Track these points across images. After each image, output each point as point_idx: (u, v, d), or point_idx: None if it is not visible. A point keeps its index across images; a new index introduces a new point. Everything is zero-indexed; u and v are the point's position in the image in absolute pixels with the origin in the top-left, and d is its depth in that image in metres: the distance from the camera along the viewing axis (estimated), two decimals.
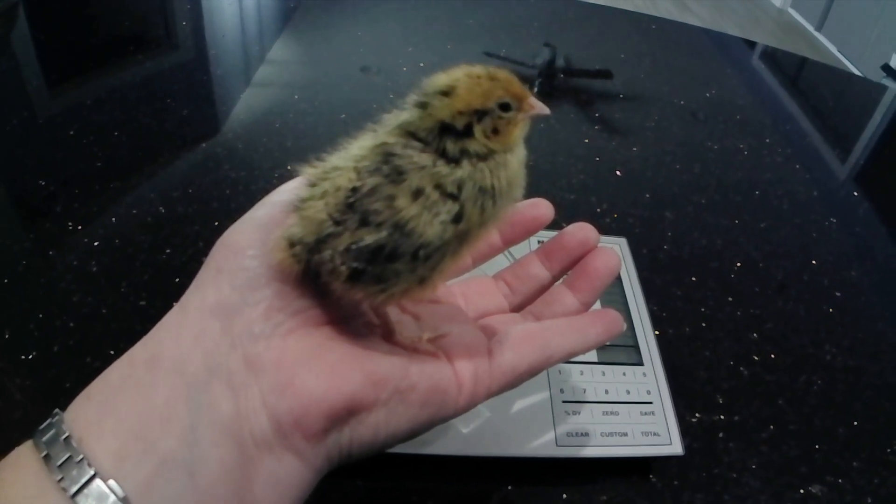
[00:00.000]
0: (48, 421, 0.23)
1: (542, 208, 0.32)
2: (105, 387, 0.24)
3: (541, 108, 0.25)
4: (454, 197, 0.22)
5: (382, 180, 0.22)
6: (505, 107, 0.24)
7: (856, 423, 0.44)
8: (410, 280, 0.23)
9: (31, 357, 0.40)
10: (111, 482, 0.21)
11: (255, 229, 0.25)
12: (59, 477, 0.21)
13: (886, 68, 2.04)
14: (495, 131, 0.24)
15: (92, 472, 0.21)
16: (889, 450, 0.42)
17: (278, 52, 0.80)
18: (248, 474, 0.22)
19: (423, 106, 0.23)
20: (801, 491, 0.39)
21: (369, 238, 0.22)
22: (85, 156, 0.57)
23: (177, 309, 0.25)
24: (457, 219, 0.22)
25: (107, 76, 0.71)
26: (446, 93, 0.23)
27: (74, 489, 0.21)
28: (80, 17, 0.82)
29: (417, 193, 0.22)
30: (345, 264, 0.22)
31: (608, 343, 0.40)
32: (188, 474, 0.22)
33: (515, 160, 0.25)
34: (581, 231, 0.32)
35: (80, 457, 0.21)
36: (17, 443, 0.36)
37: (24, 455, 0.22)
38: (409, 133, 0.23)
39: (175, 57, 0.78)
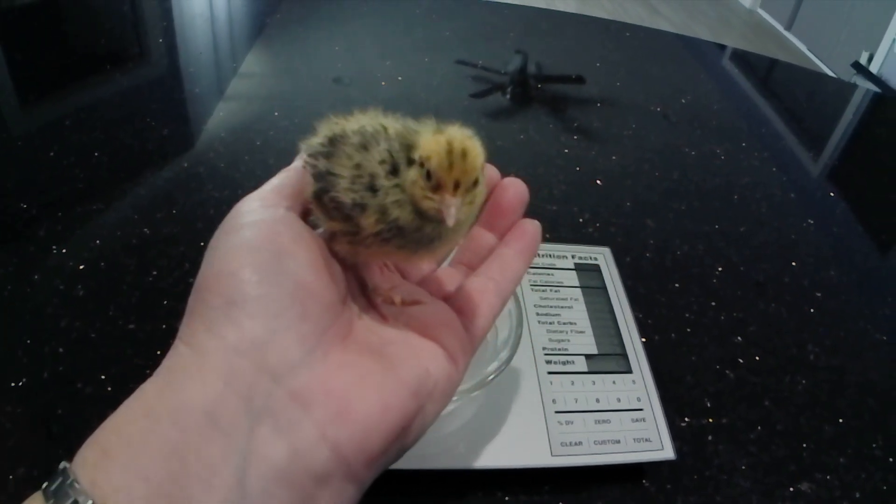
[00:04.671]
0: (58, 480, 0.20)
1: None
2: (125, 443, 0.20)
3: (446, 213, 0.24)
4: (374, 192, 0.25)
5: (356, 141, 0.26)
6: (428, 176, 0.24)
7: (841, 421, 0.45)
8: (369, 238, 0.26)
9: (20, 384, 0.40)
10: None
11: (249, 253, 0.24)
12: None
13: (857, 66, 2.09)
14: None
15: None
16: (874, 445, 0.44)
17: (253, 66, 0.80)
18: None
19: (413, 123, 0.27)
20: (791, 489, 0.40)
21: (319, 165, 0.26)
22: (66, 177, 0.57)
23: (187, 351, 0.23)
24: (359, 208, 0.25)
25: (84, 95, 0.70)
26: (436, 131, 0.25)
27: None
28: (53, 36, 0.81)
29: (357, 166, 0.26)
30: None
31: (597, 353, 0.42)
32: None
33: (413, 218, 0.25)
34: (511, 186, 0.31)
35: None
36: (12, 473, 0.36)
37: None
38: (403, 134, 0.26)
39: (151, 74, 0.78)
